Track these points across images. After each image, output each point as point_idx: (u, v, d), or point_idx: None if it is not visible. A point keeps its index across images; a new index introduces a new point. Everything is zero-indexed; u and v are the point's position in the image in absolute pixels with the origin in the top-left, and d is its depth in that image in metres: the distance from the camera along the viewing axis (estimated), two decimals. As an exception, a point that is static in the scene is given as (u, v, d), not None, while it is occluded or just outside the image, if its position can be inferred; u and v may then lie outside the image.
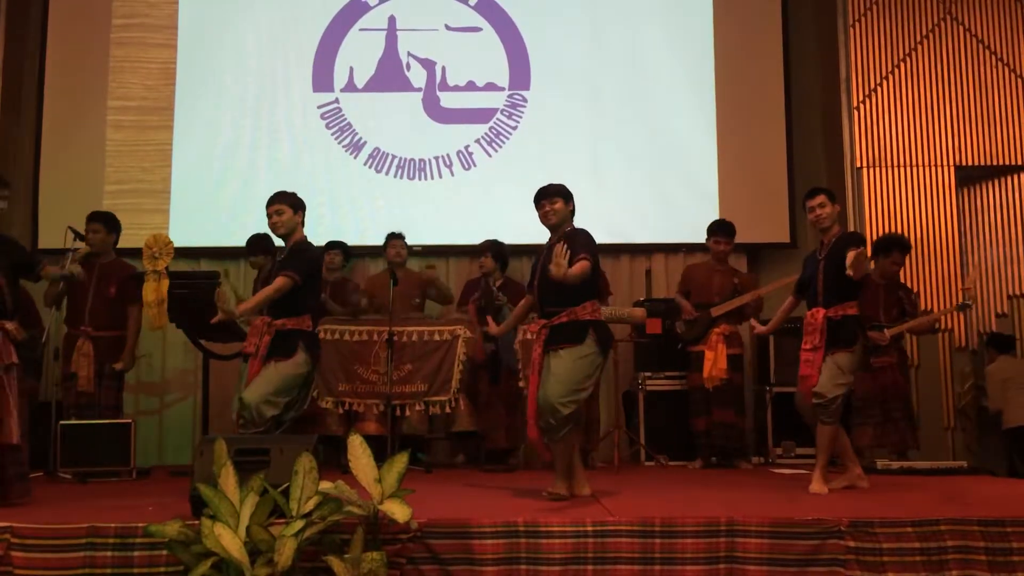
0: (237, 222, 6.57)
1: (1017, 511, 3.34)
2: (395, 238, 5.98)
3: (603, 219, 6.35)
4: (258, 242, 5.84)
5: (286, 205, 4.28)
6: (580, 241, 4.01)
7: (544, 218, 4.15)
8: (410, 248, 6.10)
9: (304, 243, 4.32)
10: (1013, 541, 3.15)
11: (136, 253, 5.41)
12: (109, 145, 6.72)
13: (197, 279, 5.44)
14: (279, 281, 4.13)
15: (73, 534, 3.08)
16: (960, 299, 5.61)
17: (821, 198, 4.47)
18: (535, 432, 3.97)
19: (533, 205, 4.20)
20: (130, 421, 5.08)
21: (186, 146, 6.74)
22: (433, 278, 5.99)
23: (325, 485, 2.98)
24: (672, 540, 3.12)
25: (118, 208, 6.06)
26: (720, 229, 5.85)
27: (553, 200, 4.12)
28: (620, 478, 4.92)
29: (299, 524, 2.85)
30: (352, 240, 6.29)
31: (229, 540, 2.78)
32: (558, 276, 3.80)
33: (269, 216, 4.29)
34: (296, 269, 4.16)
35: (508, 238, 6.27)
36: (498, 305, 5.67)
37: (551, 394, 3.86)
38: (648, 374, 6.01)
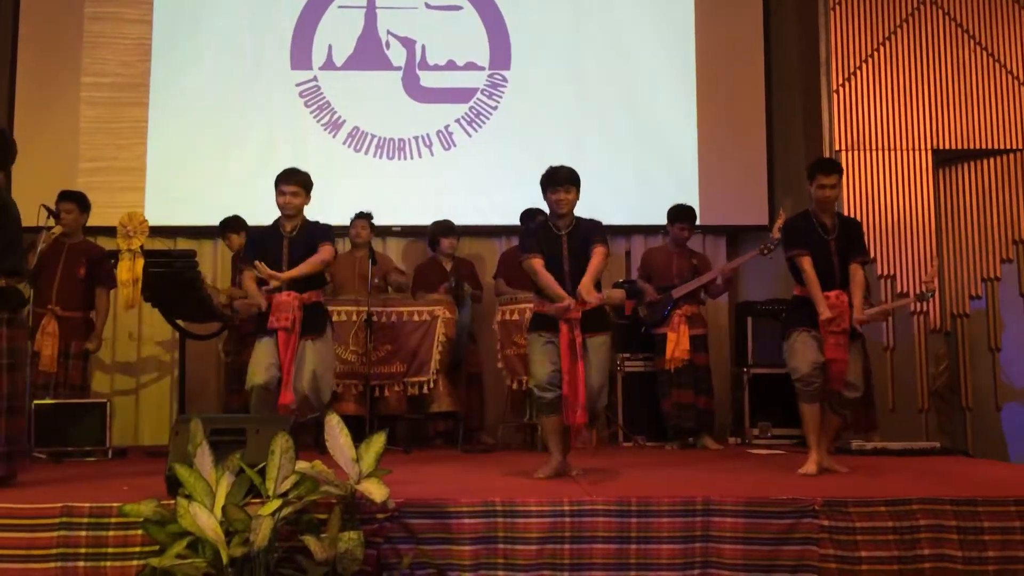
0: (213, 201, 6.50)
1: (988, 491, 3.39)
2: (359, 218, 5.96)
3: (582, 200, 6.19)
4: (234, 222, 5.88)
5: (302, 188, 4.47)
6: (599, 230, 4.16)
7: (556, 205, 4.14)
8: (375, 228, 6.07)
9: (320, 223, 4.59)
10: (984, 520, 3.20)
11: (110, 231, 5.34)
12: (83, 122, 6.62)
13: (172, 258, 5.39)
14: (328, 250, 4.41)
15: (47, 514, 3.05)
16: (920, 289, 5.63)
17: (836, 178, 4.34)
18: (584, 417, 3.95)
19: (541, 188, 4.17)
20: (106, 401, 5.04)
21: (162, 124, 6.65)
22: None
23: (302, 465, 2.97)
24: (648, 519, 3.14)
25: (92, 186, 5.99)
26: (686, 216, 5.85)
27: (568, 189, 4.14)
28: (597, 458, 4.93)
29: (275, 504, 2.84)
30: (330, 220, 6.23)
31: (205, 520, 2.76)
32: (595, 301, 3.94)
33: (283, 193, 4.37)
34: (332, 241, 4.47)
35: (488, 218, 6.28)
36: (463, 296, 5.69)
37: (603, 382, 4.06)
38: (626, 356, 6.03)
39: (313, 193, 4.55)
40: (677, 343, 5.57)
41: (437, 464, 4.66)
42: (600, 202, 6.54)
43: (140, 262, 5.07)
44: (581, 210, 6.07)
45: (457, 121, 6.77)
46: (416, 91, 6.81)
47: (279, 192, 4.42)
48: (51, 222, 5.11)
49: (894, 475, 4.08)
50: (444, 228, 6.05)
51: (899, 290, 6.25)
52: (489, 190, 6.62)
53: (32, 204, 5.24)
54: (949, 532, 3.17)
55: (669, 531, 3.13)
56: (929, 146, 6.47)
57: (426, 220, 6.45)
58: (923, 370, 6.32)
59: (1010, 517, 3.20)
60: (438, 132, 6.76)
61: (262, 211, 5.91)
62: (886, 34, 6.54)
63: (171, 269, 5.21)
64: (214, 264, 6.61)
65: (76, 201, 5.34)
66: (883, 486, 3.60)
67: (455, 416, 5.77)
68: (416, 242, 6.68)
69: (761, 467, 4.56)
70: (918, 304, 6.20)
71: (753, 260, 5.84)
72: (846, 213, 6.31)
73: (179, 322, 5.59)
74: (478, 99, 6.80)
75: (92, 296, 5.32)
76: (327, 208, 6.30)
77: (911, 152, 6.47)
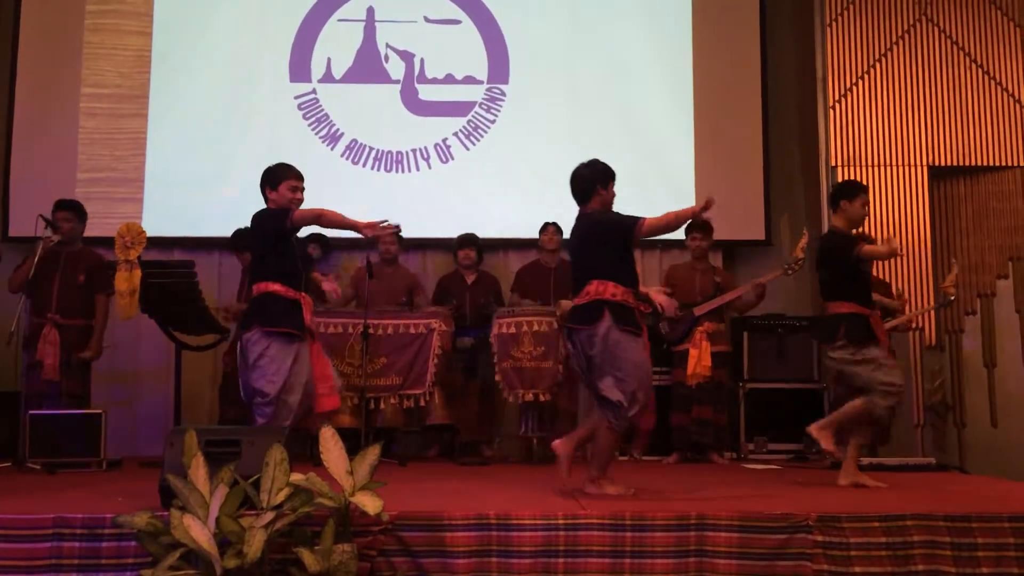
0: (211, 212, 6.52)
1: (982, 507, 3.39)
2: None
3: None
4: (246, 235, 5.82)
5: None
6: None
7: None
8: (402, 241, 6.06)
9: None
10: (978, 537, 3.19)
11: (108, 242, 5.35)
12: (82, 133, 6.63)
13: (170, 269, 5.40)
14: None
15: (39, 524, 3.04)
16: (940, 298, 5.65)
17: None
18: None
19: (602, 180, 4.08)
20: (101, 412, 5.02)
21: (160, 135, 6.67)
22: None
23: (296, 476, 2.97)
24: (642, 534, 3.14)
25: (90, 196, 6.01)
26: (696, 226, 5.89)
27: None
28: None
29: (269, 515, 2.84)
30: (328, 233, 6.25)
31: (198, 531, 2.76)
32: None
33: (296, 190, 4.22)
34: None
35: (485, 232, 6.28)
36: (488, 313, 5.71)
37: None
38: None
39: (311, 205, 4.53)
40: (699, 360, 5.57)
41: (433, 477, 4.65)
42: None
43: (138, 273, 5.08)
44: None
45: (455, 134, 6.80)
46: (414, 104, 6.83)
47: (294, 188, 4.22)
48: (48, 232, 5.13)
49: (888, 491, 4.08)
50: (460, 240, 6.08)
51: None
52: (487, 203, 6.64)
53: (30, 214, 5.28)
54: (943, 548, 3.17)
55: (663, 545, 3.13)
56: (925, 162, 6.50)
57: (424, 233, 6.47)
58: (919, 386, 6.32)
59: (1004, 533, 3.20)
60: (436, 145, 6.79)
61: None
62: (882, 51, 6.59)
63: (169, 280, 5.21)
64: (218, 276, 6.57)
65: (72, 210, 5.36)
66: (877, 502, 3.60)
67: (451, 429, 5.77)
68: (412, 255, 6.67)
69: (756, 482, 4.56)
70: (919, 318, 6.22)
71: (753, 277, 5.87)
72: (842, 229, 6.35)
73: (176, 333, 5.59)
74: (476, 112, 6.83)
75: (92, 304, 5.32)
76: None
77: (907, 168, 6.50)
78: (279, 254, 4.14)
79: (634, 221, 3.93)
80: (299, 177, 4.27)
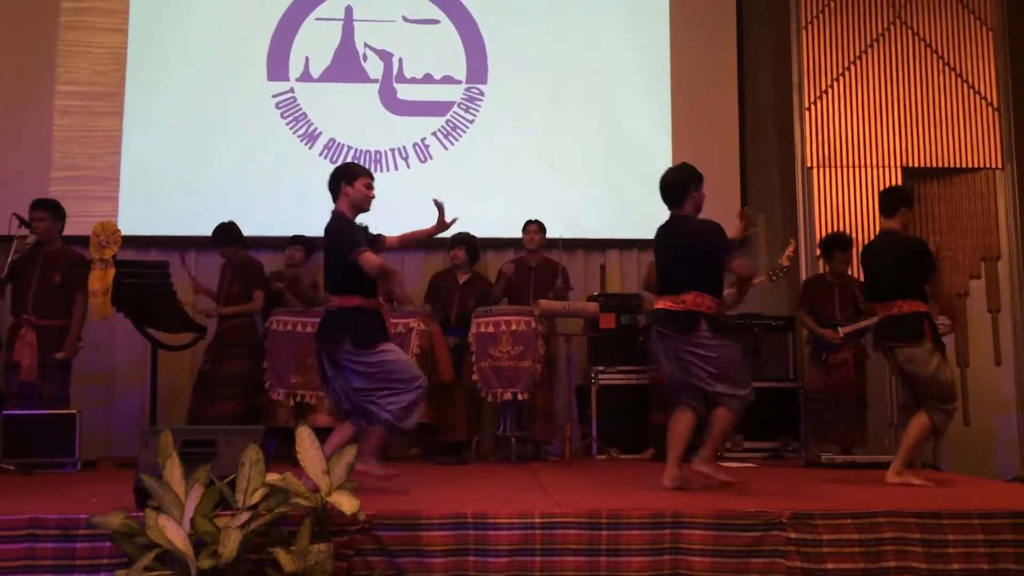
0: (187, 211, 6.49)
1: (952, 504, 3.43)
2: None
3: (559, 214, 6.39)
4: (228, 231, 5.80)
5: None
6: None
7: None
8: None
9: None
10: (948, 533, 3.23)
11: (83, 241, 5.32)
12: (56, 131, 6.58)
13: (145, 268, 5.37)
14: None
15: (13, 525, 3.02)
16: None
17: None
18: None
19: (696, 182, 4.17)
20: (75, 412, 4.99)
21: (136, 133, 6.62)
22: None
23: (272, 476, 2.96)
24: (618, 532, 3.15)
25: (65, 195, 5.95)
26: None
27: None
28: (571, 470, 4.96)
29: (245, 516, 2.83)
30: (307, 232, 6.24)
31: (173, 532, 2.75)
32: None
33: (371, 187, 4.15)
34: None
35: (463, 231, 6.27)
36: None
37: None
38: (601, 368, 6.06)
39: (289, 204, 4.53)
40: None
41: (410, 476, 4.64)
42: (576, 215, 6.64)
43: (112, 272, 5.05)
44: (558, 221, 6.09)
45: (434, 134, 6.80)
46: (393, 104, 6.83)
47: (369, 185, 4.13)
48: (23, 231, 5.09)
49: (861, 488, 4.12)
50: (452, 239, 6.03)
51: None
52: (465, 203, 6.58)
53: (4, 213, 5.23)
54: (914, 545, 3.21)
55: (639, 543, 3.15)
56: (899, 164, 6.58)
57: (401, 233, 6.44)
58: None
59: (974, 530, 3.24)
60: (415, 145, 6.79)
61: (239, 222, 5.92)
62: (857, 54, 6.66)
63: (144, 280, 5.18)
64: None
65: (48, 209, 5.29)
66: (850, 499, 3.64)
67: (428, 428, 5.77)
68: (390, 255, 6.65)
69: (732, 480, 4.58)
70: None
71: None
72: (817, 230, 6.44)
73: (152, 332, 5.55)
74: (455, 112, 6.83)
75: (69, 303, 5.23)
76: (303, 220, 6.34)
77: (881, 169, 6.58)
78: (355, 265, 4.00)
79: (729, 255, 4.09)
80: (372, 176, 4.22)
